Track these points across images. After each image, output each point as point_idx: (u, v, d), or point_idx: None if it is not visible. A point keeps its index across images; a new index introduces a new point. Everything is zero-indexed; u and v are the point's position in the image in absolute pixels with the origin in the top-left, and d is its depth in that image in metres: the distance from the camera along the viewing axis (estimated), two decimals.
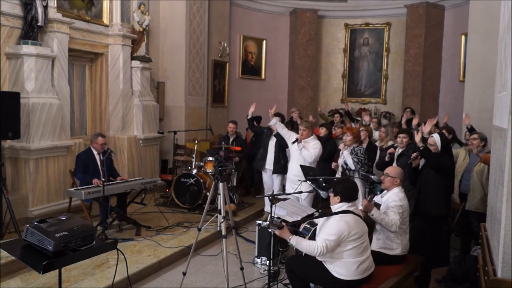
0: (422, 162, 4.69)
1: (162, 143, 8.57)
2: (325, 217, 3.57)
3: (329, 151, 6.49)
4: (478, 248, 3.83)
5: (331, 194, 3.59)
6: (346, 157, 5.38)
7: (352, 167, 5.35)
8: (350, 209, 3.46)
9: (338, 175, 5.56)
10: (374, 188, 5.65)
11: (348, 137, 5.46)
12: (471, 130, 5.89)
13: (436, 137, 4.54)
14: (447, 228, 4.88)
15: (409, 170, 4.66)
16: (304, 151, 5.48)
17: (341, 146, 5.54)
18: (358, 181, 5.39)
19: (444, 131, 5.74)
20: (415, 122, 6.52)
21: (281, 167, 6.46)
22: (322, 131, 6.59)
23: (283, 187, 6.69)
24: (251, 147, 7.66)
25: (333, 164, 5.67)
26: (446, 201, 4.61)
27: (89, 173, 5.52)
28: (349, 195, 3.50)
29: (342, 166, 5.51)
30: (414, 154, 4.66)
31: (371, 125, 7.44)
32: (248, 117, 6.67)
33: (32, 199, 5.70)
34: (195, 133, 8.76)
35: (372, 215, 3.77)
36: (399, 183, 4.04)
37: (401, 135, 5.40)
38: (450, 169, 4.63)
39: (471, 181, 4.94)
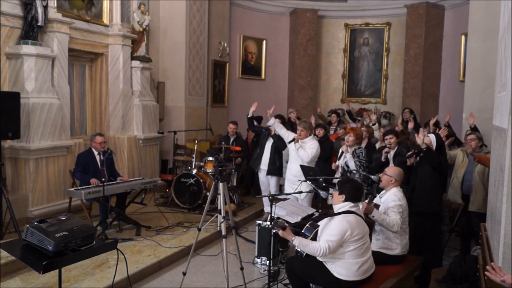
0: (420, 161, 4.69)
1: (162, 143, 8.57)
2: (328, 218, 3.57)
3: (328, 151, 6.49)
4: (478, 248, 3.84)
5: (336, 192, 3.59)
6: (348, 160, 5.34)
7: (354, 170, 5.32)
8: (353, 209, 3.46)
9: (338, 175, 5.54)
10: (372, 188, 5.64)
11: (350, 138, 5.43)
12: (474, 129, 5.86)
13: (432, 137, 4.56)
14: (440, 227, 4.88)
15: (403, 168, 4.66)
16: (301, 150, 5.47)
17: (343, 148, 5.51)
18: None
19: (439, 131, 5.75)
20: (410, 125, 6.48)
21: (275, 168, 6.45)
22: (321, 132, 6.59)
23: (279, 188, 6.68)
24: (252, 147, 7.65)
25: (333, 165, 5.65)
26: (440, 199, 4.63)
27: (89, 173, 5.52)
28: (354, 196, 3.50)
29: (342, 168, 5.48)
30: (409, 153, 4.67)
31: (376, 125, 7.42)
32: (248, 116, 6.66)
33: (32, 199, 5.69)
34: (195, 133, 8.76)
35: (373, 216, 3.77)
36: (394, 182, 4.03)
37: (387, 137, 5.38)
38: (444, 168, 4.66)
39: (473, 182, 4.92)
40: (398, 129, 6.55)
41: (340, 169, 5.51)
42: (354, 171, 5.32)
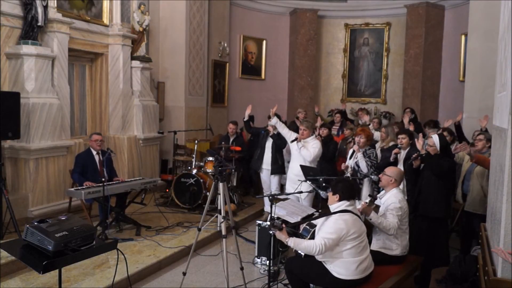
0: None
1: (162, 143, 8.57)
2: (324, 217, 3.57)
3: (332, 151, 6.49)
4: (478, 248, 3.84)
5: (330, 193, 3.59)
6: (359, 160, 5.31)
7: (365, 170, 5.28)
8: (349, 208, 3.46)
9: (348, 176, 5.49)
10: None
11: (362, 139, 5.40)
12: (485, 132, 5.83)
13: (435, 138, 4.53)
14: (447, 229, 4.87)
15: (410, 171, 4.64)
16: (304, 150, 5.48)
17: (354, 147, 5.49)
18: (366, 183, 5.36)
19: (444, 132, 5.72)
20: (411, 128, 6.45)
21: (278, 167, 6.48)
22: (324, 132, 6.59)
23: (280, 186, 6.69)
24: (249, 147, 7.65)
25: (343, 165, 5.60)
26: (446, 203, 4.60)
27: (88, 174, 5.52)
28: (348, 194, 3.50)
29: (353, 168, 5.44)
30: (414, 155, 4.66)
31: (371, 125, 7.41)
32: (245, 119, 6.67)
33: (32, 199, 5.70)
34: (195, 133, 8.76)
35: (370, 219, 3.77)
36: (394, 182, 4.02)
37: (400, 136, 5.36)
38: (450, 172, 4.61)
39: (470, 182, 4.93)
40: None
41: (350, 170, 5.48)
42: (365, 173, 5.28)
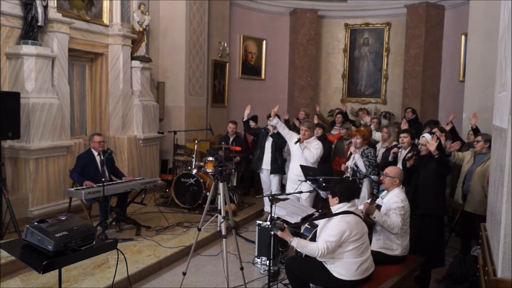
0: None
1: (162, 143, 8.57)
2: (326, 218, 3.57)
3: (327, 151, 6.49)
4: (478, 248, 3.84)
5: (329, 196, 3.59)
6: (357, 160, 5.32)
7: (363, 170, 5.29)
8: (350, 209, 3.46)
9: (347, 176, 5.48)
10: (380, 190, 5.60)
11: (358, 140, 5.39)
12: (476, 130, 5.84)
13: (427, 137, 4.51)
14: (443, 227, 4.87)
15: (405, 171, 4.63)
16: (306, 151, 5.46)
17: (351, 149, 5.49)
18: (365, 182, 5.36)
19: (435, 130, 5.71)
20: (403, 126, 6.39)
21: (278, 167, 6.48)
22: (319, 132, 6.59)
23: (281, 186, 6.69)
24: (252, 148, 7.64)
25: (343, 166, 5.60)
26: (443, 200, 4.62)
27: (89, 174, 5.52)
28: (347, 195, 3.50)
29: (352, 168, 5.45)
30: (409, 155, 4.64)
31: (372, 126, 7.40)
32: (244, 120, 6.67)
33: (32, 199, 5.70)
34: (195, 133, 8.76)
35: (374, 217, 3.76)
36: (398, 183, 4.03)
37: (402, 135, 5.34)
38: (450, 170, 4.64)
39: (471, 182, 4.93)
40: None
41: (349, 170, 5.47)
42: (364, 173, 5.27)
